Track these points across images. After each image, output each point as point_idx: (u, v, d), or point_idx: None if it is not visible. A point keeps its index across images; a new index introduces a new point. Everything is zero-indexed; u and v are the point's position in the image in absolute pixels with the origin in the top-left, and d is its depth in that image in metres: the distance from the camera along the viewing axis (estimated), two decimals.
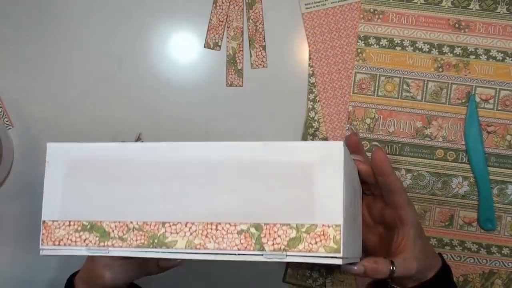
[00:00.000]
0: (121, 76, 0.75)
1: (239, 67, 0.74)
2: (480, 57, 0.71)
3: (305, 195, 0.41)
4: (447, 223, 0.72)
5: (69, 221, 0.45)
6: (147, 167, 0.44)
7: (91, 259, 0.61)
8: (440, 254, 0.63)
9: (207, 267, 0.73)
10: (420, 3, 0.72)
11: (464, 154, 0.71)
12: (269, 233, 0.41)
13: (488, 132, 0.71)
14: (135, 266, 0.59)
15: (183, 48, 0.76)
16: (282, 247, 0.40)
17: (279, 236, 0.40)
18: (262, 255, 0.41)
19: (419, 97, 0.72)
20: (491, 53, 0.71)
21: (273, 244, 0.40)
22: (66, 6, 0.76)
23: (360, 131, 0.72)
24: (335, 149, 0.41)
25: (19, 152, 0.76)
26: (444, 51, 0.72)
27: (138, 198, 0.44)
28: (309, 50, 0.73)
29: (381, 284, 0.67)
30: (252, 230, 0.41)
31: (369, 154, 0.70)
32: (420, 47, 0.72)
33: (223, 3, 0.75)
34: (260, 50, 0.74)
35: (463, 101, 0.71)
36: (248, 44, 0.74)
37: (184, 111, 0.75)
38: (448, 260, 0.70)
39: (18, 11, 0.76)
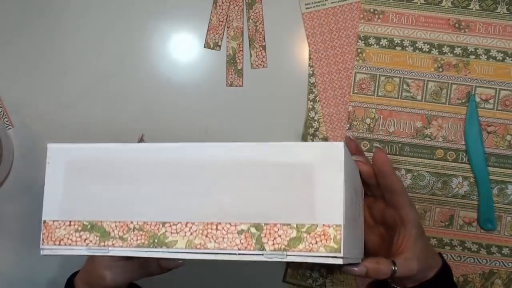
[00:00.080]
0: (121, 76, 0.75)
1: (239, 67, 0.74)
2: (480, 57, 0.71)
3: (305, 195, 0.41)
4: (447, 223, 0.72)
5: (70, 221, 0.45)
6: (147, 167, 0.44)
7: (91, 259, 0.61)
8: (440, 254, 0.63)
9: (207, 267, 0.73)
10: (420, 3, 0.72)
11: (464, 154, 0.71)
12: (270, 233, 0.41)
13: (488, 132, 0.71)
14: (135, 266, 0.59)
15: (183, 48, 0.76)
16: (283, 247, 0.40)
17: (279, 236, 0.40)
18: (262, 255, 0.41)
19: (419, 97, 0.72)
20: (491, 53, 0.71)
21: (273, 244, 0.40)
22: (66, 6, 0.76)
23: (360, 131, 0.72)
24: (336, 150, 0.42)
25: (19, 152, 0.76)
26: (444, 51, 0.72)
27: (139, 198, 0.44)
28: (309, 50, 0.73)
29: (381, 284, 0.67)
30: (253, 230, 0.41)
31: (369, 154, 0.70)
32: (420, 47, 0.72)
33: (223, 3, 0.75)
34: (260, 50, 0.74)
35: (463, 101, 0.71)
36: (248, 44, 0.74)
37: (184, 111, 0.75)
38: (448, 260, 0.70)
39: (18, 11, 0.76)
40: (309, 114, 0.73)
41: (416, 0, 0.72)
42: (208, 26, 0.75)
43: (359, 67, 0.72)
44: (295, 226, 0.40)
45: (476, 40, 0.71)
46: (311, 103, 0.73)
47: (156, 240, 0.43)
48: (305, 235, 0.40)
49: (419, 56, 0.72)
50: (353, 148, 0.59)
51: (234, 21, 0.75)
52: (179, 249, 0.42)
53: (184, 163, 0.43)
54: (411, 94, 0.72)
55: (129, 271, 0.59)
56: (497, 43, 0.71)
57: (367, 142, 0.72)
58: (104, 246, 0.44)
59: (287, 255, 0.40)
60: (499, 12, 0.71)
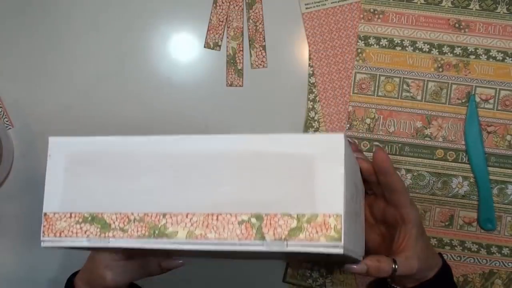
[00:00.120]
0: (121, 76, 0.75)
1: (239, 67, 0.74)
2: (480, 57, 0.71)
3: (305, 185, 0.41)
4: (447, 223, 0.72)
5: (70, 213, 0.45)
6: (148, 159, 0.44)
7: (91, 259, 0.61)
8: (440, 254, 0.63)
9: (207, 267, 0.73)
10: (420, 3, 0.72)
11: (464, 154, 0.71)
12: (270, 223, 0.41)
13: (488, 132, 0.71)
14: (136, 266, 0.59)
15: (183, 48, 0.76)
16: (283, 236, 0.40)
17: (279, 226, 0.40)
18: (262, 244, 0.41)
19: (419, 97, 0.72)
20: (491, 53, 0.71)
21: (274, 234, 0.40)
22: (66, 6, 0.76)
23: (360, 131, 0.72)
24: (336, 141, 0.42)
25: (19, 152, 0.76)
26: (444, 51, 0.72)
27: (139, 190, 0.44)
28: (309, 50, 0.74)
29: (381, 284, 0.67)
30: (253, 220, 0.41)
31: (369, 154, 0.70)
32: (420, 47, 0.72)
33: (223, 3, 0.75)
34: (260, 50, 0.74)
35: (463, 101, 0.71)
36: (248, 44, 0.74)
37: (184, 111, 0.75)
38: (448, 260, 0.70)
39: (18, 11, 0.76)
40: (309, 114, 0.73)
41: (416, 0, 0.72)
42: (208, 26, 0.75)
43: (359, 67, 0.72)
44: (295, 216, 0.40)
45: (476, 40, 0.71)
46: (311, 103, 0.73)
47: (156, 231, 0.43)
48: (305, 225, 0.40)
49: (419, 56, 0.72)
50: (352, 149, 0.59)
51: (234, 21, 0.75)
52: (179, 239, 0.42)
53: (184, 155, 0.44)
54: (411, 94, 0.72)
55: (129, 271, 0.59)
56: (497, 43, 0.71)
57: (367, 142, 0.72)
58: (104, 237, 0.44)
59: (287, 245, 0.40)
60: (499, 12, 0.71)
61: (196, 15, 0.75)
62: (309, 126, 0.73)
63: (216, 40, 0.75)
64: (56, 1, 0.76)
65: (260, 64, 0.74)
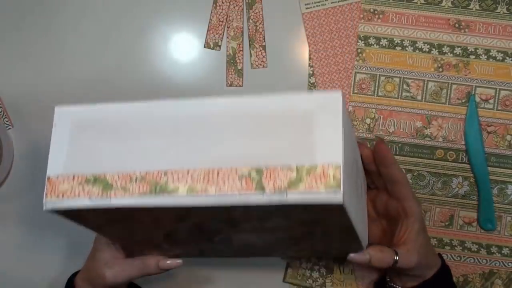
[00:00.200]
0: (121, 76, 0.75)
1: (239, 67, 0.74)
2: (480, 57, 0.71)
3: (305, 139, 0.42)
4: (447, 223, 0.72)
5: (73, 175, 0.45)
6: (149, 122, 0.45)
7: (92, 258, 0.61)
8: (440, 255, 0.63)
9: (207, 267, 0.74)
10: (420, 3, 0.72)
11: (464, 154, 0.71)
12: (270, 176, 0.41)
13: (488, 132, 0.71)
14: (135, 265, 0.59)
15: (183, 48, 0.76)
16: (283, 187, 0.41)
17: (279, 178, 0.41)
18: (263, 195, 0.41)
19: (419, 97, 0.72)
20: (491, 53, 0.71)
21: (273, 186, 0.41)
22: (66, 6, 0.76)
23: (360, 131, 0.72)
24: (334, 97, 0.43)
25: (19, 152, 0.76)
26: (444, 51, 0.72)
27: (141, 151, 0.45)
28: (309, 50, 0.74)
29: (381, 284, 0.67)
30: (253, 173, 0.42)
31: None
32: (420, 47, 0.72)
33: (223, 3, 0.75)
34: (260, 50, 0.74)
35: (463, 101, 0.71)
36: (248, 44, 0.74)
37: None
38: (448, 260, 0.70)
39: (18, 11, 0.76)
40: None
41: (416, 0, 0.72)
42: (208, 26, 0.75)
43: (359, 67, 0.72)
44: (295, 168, 0.41)
45: (476, 40, 0.71)
46: None
47: (157, 188, 0.43)
48: (305, 176, 0.41)
49: (419, 56, 0.72)
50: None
51: (234, 21, 0.75)
52: (180, 195, 0.43)
53: (185, 117, 0.45)
54: (411, 94, 0.72)
55: (128, 270, 0.59)
56: (497, 43, 0.71)
57: (367, 142, 0.72)
58: (106, 196, 0.44)
59: (287, 195, 0.41)
60: (499, 12, 0.71)
61: (196, 15, 0.75)
62: None
63: (216, 40, 0.75)
64: (57, 1, 0.76)
65: (260, 64, 0.74)
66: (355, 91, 0.72)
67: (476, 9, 0.72)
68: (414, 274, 0.59)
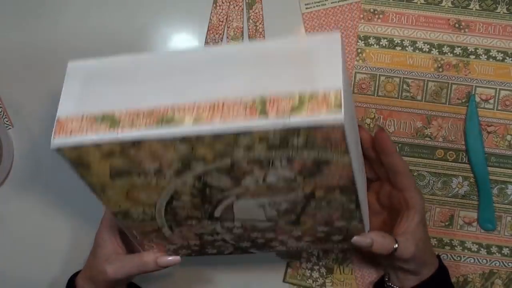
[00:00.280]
0: None
1: None
2: (480, 57, 0.71)
3: (306, 72, 0.45)
4: (447, 223, 0.72)
5: (82, 115, 0.47)
6: (157, 67, 0.48)
7: (93, 255, 0.61)
8: (438, 256, 0.63)
9: (207, 267, 0.74)
10: (420, 3, 0.72)
11: (464, 154, 0.71)
12: (273, 104, 0.44)
13: (488, 132, 0.71)
14: (134, 262, 0.59)
15: (183, 48, 0.76)
16: (286, 113, 0.43)
17: (283, 105, 0.44)
18: (267, 120, 0.43)
19: (419, 97, 0.72)
20: (491, 53, 0.71)
21: (277, 112, 0.43)
22: (66, 6, 0.76)
23: None
24: (333, 37, 0.46)
25: (19, 152, 0.76)
26: (444, 51, 0.72)
27: (149, 91, 0.47)
28: None
29: (380, 284, 0.67)
30: (257, 102, 0.44)
31: None
32: (420, 47, 0.72)
33: (223, 3, 0.75)
34: None
35: (463, 101, 0.71)
36: None
37: None
38: (448, 260, 0.70)
39: (18, 11, 0.76)
40: None
41: (416, 0, 0.72)
42: (208, 26, 0.75)
43: (359, 67, 0.72)
44: (297, 95, 0.43)
45: (476, 40, 0.71)
46: None
47: (164, 120, 0.45)
48: (307, 101, 0.43)
49: (419, 56, 0.72)
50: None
51: (234, 21, 0.75)
52: (186, 125, 0.44)
53: (191, 61, 0.48)
54: (411, 94, 0.72)
55: (127, 266, 0.59)
56: (497, 43, 0.71)
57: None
58: (113, 131, 0.45)
59: (290, 119, 0.43)
60: (499, 12, 0.71)
61: (196, 15, 0.75)
62: None
63: (216, 40, 0.75)
64: (56, 1, 0.76)
65: None
66: (355, 91, 0.72)
67: (476, 9, 0.72)
68: (410, 269, 0.60)
